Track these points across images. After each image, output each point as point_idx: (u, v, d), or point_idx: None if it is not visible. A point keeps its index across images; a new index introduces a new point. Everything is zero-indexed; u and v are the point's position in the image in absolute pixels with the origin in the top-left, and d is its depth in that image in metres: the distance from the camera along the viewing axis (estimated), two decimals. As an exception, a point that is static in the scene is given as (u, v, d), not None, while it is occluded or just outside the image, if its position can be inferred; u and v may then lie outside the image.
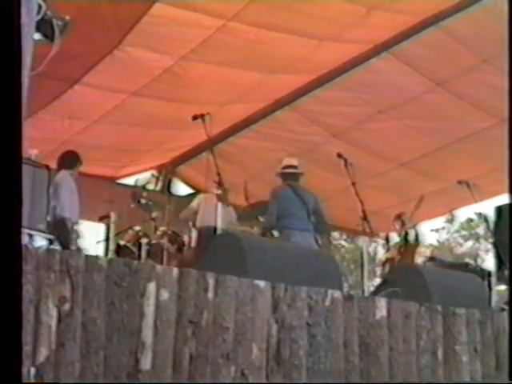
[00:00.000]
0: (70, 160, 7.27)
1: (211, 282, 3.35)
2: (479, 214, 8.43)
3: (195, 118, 6.29)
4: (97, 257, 3.13)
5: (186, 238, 7.63)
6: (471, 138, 9.04)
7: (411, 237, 9.24)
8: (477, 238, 24.31)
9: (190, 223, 7.78)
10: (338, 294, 3.82)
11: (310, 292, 3.68)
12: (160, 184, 10.97)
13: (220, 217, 6.16)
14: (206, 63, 7.60)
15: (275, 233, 6.96)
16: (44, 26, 3.90)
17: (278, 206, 7.10)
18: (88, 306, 2.96)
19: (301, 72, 8.32)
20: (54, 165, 5.75)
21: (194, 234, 7.57)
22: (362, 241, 7.54)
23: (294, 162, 7.52)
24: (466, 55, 7.67)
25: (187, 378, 3.18)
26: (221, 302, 3.36)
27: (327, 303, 3.74)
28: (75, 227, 6.90)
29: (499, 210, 7.57)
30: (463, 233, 25.73)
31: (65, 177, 7.05)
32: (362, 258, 7.26)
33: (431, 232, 25.02)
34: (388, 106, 8.79)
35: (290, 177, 7.40)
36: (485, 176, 8.81)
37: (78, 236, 6.92)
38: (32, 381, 2.71)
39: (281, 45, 7.36)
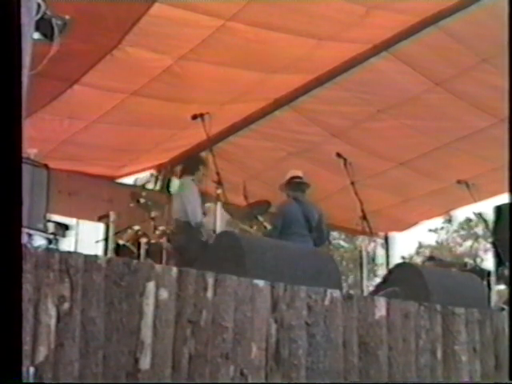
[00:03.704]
0: (192, 166, 7.25)
1: (210, 281, 3.35)
2: (478, 214, 8.42)
3: (194, 117, 6.28)
4: (96, 256, 3.13)
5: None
6: (470, 138, 9.03)
7: None
8: (476, 237, 24.30)
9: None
10: (337, 293, 3.82)
11: (309, 291, 3.69)
12: (159, 183, 10.98)
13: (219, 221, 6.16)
14: (205, 63, 7.59)
15: None
16: (43, 26, 3.91)
17: (282, 222, 7.15)
18: (87, 305, 2.96)
19: (300, 72, 8.31)
20: (53, 164, 5.70)
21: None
22: (362, 240, 7.54)
23: (299, 173, 7.50)
24: (465, 55, 7.67)
25: (186, 378, 3.18)
26: (220, 302, 3.36)
27: (326, 303, 3.74)
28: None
29: (498, 209, 7.57)
30: (462, 232, 25.75)
31: (188, 183, 7.06)
32: (361, 257, 7.26)
33: (430, 232, 25.08)
34: (387, 105, 8.78)
35: (296, 188, 7.39)
36: (484, 176, 8.81)
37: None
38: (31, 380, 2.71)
39: (280, 44, 7.35)
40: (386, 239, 12.36)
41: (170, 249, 7.12)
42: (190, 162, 7.44)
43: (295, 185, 7.38)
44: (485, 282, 7.00)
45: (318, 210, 7.46)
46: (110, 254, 7.21)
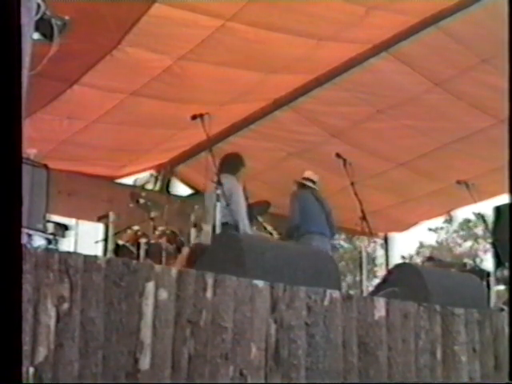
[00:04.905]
0: (233, 164, 6.85)
1: (210, 281, 3.35)
2: (478, 214, 8.43)
3: (194, 117, 6.29)
4: (95, 256, 3.13)
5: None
6: (470, 138, 9.04)
7: None
8: (475, 238, 24.33)
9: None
10: (336, 293, 3.82)
11: (309, 292, 3.68)
12: (159, 184, 10.99)
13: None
14: (205, 63, 7.60)
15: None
16: (43, 26, 3.91)
17: (299, 209, 7.22)
18: (87, 305, 2.96)
19: (300, 72, 8.32)
20: (52, 164, 5.69)
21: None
22: (361, 240, 7.55)
23: (316, 177, 7.69)
24: (465, 55, 7.67)
25: (186, 378, 3.18)
26: (219, 302, 3.36)
27: (326, 303, 3.74)
28: None
29: (498, 210, 7.57)
30: (462, 233, 25.75)
31: (233, 181, 6.68)
32: (360, 257, 7.27)
33: (430, 232, 25.10)
34: (387, 105, 8.79)
35: (309, 187, 7.56)
36: (484, 176, 8.82)
37: None
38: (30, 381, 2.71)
39: (280, 45, 7.35)
40: (386, 239, 12.38)
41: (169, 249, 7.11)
42: (231, 160, 6.91)
43: (306, 187, 7.56)
44: (484, 283, 7.00)
45: (329, 204, 7.61)
46: (110, 254, 7.21)
